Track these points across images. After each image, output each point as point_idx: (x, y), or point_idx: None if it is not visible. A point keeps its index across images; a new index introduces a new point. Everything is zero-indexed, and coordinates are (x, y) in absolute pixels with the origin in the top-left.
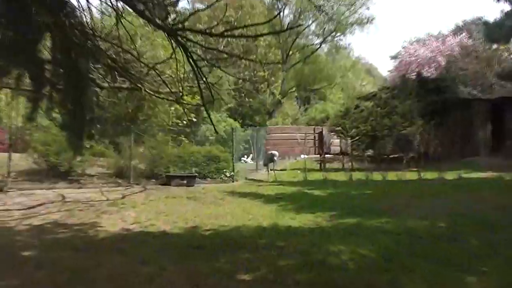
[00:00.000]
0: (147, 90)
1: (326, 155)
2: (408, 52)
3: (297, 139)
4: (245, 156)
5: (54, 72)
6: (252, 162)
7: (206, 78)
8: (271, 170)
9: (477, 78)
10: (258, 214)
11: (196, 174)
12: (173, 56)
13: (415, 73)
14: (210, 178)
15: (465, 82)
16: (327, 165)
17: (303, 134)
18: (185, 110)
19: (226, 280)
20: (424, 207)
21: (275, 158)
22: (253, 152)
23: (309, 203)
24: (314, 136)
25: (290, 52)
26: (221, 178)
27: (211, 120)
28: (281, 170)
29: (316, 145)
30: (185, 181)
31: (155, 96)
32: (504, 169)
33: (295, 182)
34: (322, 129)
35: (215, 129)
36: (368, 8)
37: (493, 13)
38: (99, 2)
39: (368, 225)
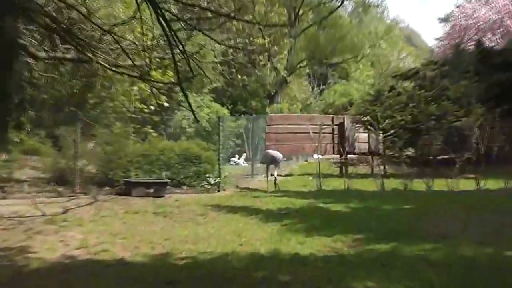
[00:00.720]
0: (100, 62)
1: (349, 156)
2: (464, 13)
3: (308, 132)
4: (237, 156)
5: None
6: (246, 164)
7: (183, 46)
8: (272, 175)
9: None
10: (254, 236)
11: (168, 180)
12: (137, 15)
13: (473, 42)
14: (187, 185)
15: None
16: (350, 169)
17: (317, 126)
18: (153, 90)
19: None
20: (486, 228)
21: (278, 161)
22: (247, 151)
23: (324, 221)
24: (333, 129)
25: (300, 12)
26: (202, 186)
27: (189, 105)
28: (286, 175)
29: (335, 142)
30: (151, 190)
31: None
32: None
33: (305, 192)
34: (343, 119)
35: (195, 117)
36: None
37: None
38: None
39: (407, 252)
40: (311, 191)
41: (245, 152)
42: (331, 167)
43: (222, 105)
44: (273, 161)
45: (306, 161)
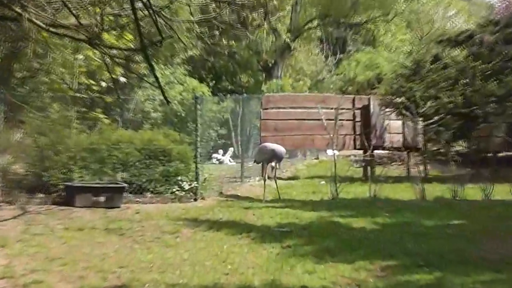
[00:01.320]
0: (32, 19)
1: (377, 152)
2: None
3: (320, 119)
4: (220, 152)
5: None
6: (233, 163)
7: None
8: (269, 178)
9: None
10: (244, 263)
11: (125, 184)
12: None
13: None
14: (152, 192)
15: None
16: (378, 170)
17: (332, 111)
18: (106, 60)
19: None
20: None
21: (280, 158)
22: (235, 144)
23: (342, 243)
24: (354, 115)
25: None
26: (173, 192)
27: (156, 81)
28: (289, 178)
29: (357, 132)
30: (102, 198)
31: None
32: None
33: (315, 202)
34: (368, 100)
35: (164, 97)
36: None
37: None
38: None
39: (457, 285)
40: (324, 201)
41: (232, 147)
42: (352, 168)
43: (201, 80)
44: (273, 157)
45: (317, 158)
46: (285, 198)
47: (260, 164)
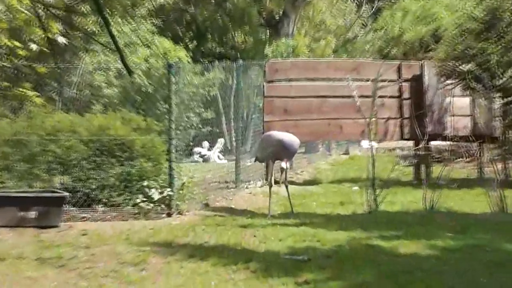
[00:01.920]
0: None
1: (434, 143)
2: None
3: (350, 96)
4: (205, 145)
5: None
6: (224, 161)
7: None
8: (277, 183)
9: None
10: None
11: (66, 193)
12: None
13: None
14: (106, 204)
15: None
16: (436, 170)
17: (368, 83)
18: (38, 12)
19: None
20: None
21: (292, 152)
22: (226, 134)
23: (384, 277)
24: (400, 89)
25: None
26: (136, 204)
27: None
28: (306, 183)
29: (405, 115)
30: (33, 214)
31: None
32: None
33: (344, 217)
34: (421, 68)
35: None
36: None
37: None
38: None
39: None
40: (357, 215)
41: (222, 137)
42: (398, 166)
43: (176, 41)
44: (282, 153)
45: (347, 154)
46: (301, 211)
47: (263, 163)
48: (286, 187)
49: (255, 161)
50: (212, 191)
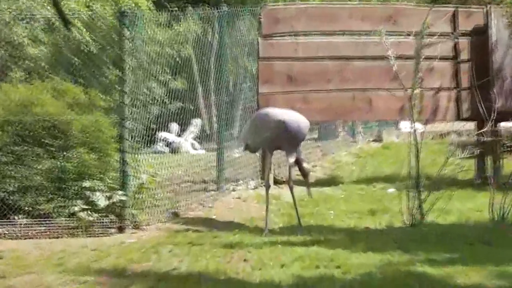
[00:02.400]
0: None
1: (504, 124)
2: None
3: (383, 57)
4: (174, 128)
5: None
6: (201, 151)
7: None
8: (277, 183)
9: None
10: None
11: None
12: None
13: None
14: (30, 214)
15: None
16: (507, 163)
17: (410, 39)
18: None
19: None
20: None
21: (299, 139)
22: (204, 112)
23: None
24: (455, 47)
25: None
26: (74, 214)
27: None
28: (317, 184)
29: (463, 85)
30: None
31: None
32: None
33: (375, 232)
34: (486, 16)
35: (59, 11)
36: None
37: None
38: None
39: None
40: (394, 229)
41: (198, 117)
42: (454, 159)
43: None
44: (284, 139)
45: (378, 140)
46: (312, 224)
47: (257, 154)
48: (291, 189)
49: (244, 149)
50: (184, 194)
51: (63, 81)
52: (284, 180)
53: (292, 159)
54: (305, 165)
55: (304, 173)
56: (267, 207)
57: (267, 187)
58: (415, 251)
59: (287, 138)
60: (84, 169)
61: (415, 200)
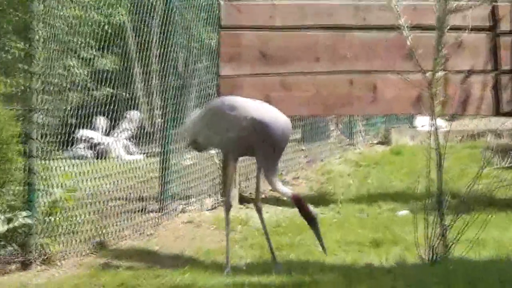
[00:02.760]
0: None
1: None
2: None
3: (393, 27)
4: (100, 124)
5: None
6: (138, 157)
7: None
8: (244, 201)
9: None
10: None
11: None
12: None
13: None
14: None
15: None
16: None
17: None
18: None
19: None
20: None
21: (267, 149)
22: (142, 101)
23: None
24: (493, 13)
25: None
26: None
27: None
28: (295, 204)
29: (503, 67)
30: None
31: None
32: None
33: (379, 271)
34: None
35: None
36: None
37: None
38: None
39: None
40: (407, 268)
41: (134, 109)
42: (490, 168)
43: None
44: (257, 143)
45: (385, 143)
46: (294, 259)
47: (216, 159)
48: (259, 211)
49: (188, 145)
50: (114, 217)
51: None
52: (253, 197)
53: (274, 179)
54: (310, 208)
55: (310, 218)
56: (227, 235)
57: (228, 207)
58: None
59: (263, 143)
60: None
61: (437, 226)
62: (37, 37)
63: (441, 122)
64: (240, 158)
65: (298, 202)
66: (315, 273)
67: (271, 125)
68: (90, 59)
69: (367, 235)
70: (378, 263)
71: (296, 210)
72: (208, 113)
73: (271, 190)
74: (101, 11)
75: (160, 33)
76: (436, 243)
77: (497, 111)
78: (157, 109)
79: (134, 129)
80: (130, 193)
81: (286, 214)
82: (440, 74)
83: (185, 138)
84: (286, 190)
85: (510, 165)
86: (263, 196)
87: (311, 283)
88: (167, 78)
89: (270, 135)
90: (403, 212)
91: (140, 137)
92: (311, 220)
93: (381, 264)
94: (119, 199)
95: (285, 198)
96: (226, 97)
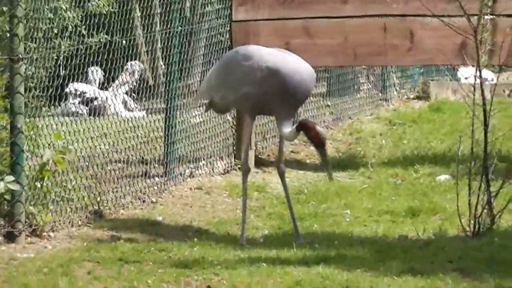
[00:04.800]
0: None
1: None
2: None
3: None
4: (95, 76)
5: None
6: (138, 114)
7: None
8: (261, 164)
9: None
10: None
11: None
12: None
13: None
14: None
15: None
16: None
17: None
18: None
19: None
20: None
21: (290, 104)
22: (143, 50)
23: None
24: None
25: None
26: None
27: None
28: (320, 167)
29: None
30: None
31: None
32: None
33: (416, 244)
34: None
35: None
36: None
37: None
38: None
39: None
40: (448, 240)
41: (134, 59)
42: None
43: None
44: (275, 97)
45: (424, 97)
46: (318, 230)
47: (228, 115)
48: (282, 175)
49: (207, 109)
50: (113, 182)
51: None
52: (272, 160)
53: (286, 129)
54: (318, 129)
55: (318, 141)
56: (243, 202)
57: (245, 171)
58: (482, 275)
59: (281, 97)
60: None
61: (482, 194)
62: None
63: (488, 74)
64: (258, 117)
65: (304, 125)
66: (342, 247)
67: (290, 73)
68: (82, 0)
69: (401, 204)
70: (414, 235)
71: (320, 175)
72: (222, 66)
73: (291, 151)
74: None
75: None
76: (481, 213)
77: None
78: (160, 59)
79: (135, 82)
80: (130, 155)
81: (309, 179)
82: (487, 18)
83: (202, 100)
84: (286, 130)
85: None
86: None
87: (337, 257)
88: (172, 24)
89: (288, 84)
90: (444, 177)
91: (141, 92)
92: (319, 144)
93: (418, 237)
94: (118, 162)
95: (295, 142)
96: (240, 47)
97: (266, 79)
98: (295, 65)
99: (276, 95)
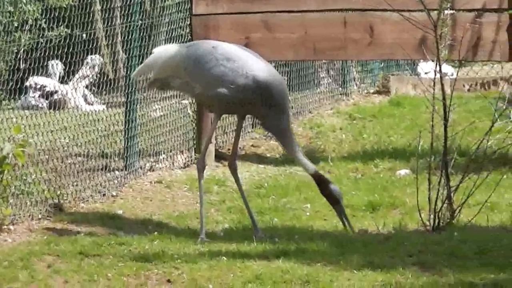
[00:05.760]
0: None
1: None
2: None
3: None
4: (55, 70)
5: None
6: (99, 107)
7: None
8: (221, 158)
9: None
10: None
11: None
12: None
13: None
14: None
15: None
16: None
17: None
18: None
19: None
20: None
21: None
22: (103, 44)
23: None
24: None
25: None
26: None
27: None
28: (286, 161)
29: None
30: None
31: None
32: None
33: (376, 239)
34: None
35: None
36: None
37: None
38: None
39: None
40: (407, 235)
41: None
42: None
43: None
44: (266, 102)
45: (384, 92)
46: (278, 225)
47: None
48: (234, 171)
49: (149, 86)
50: (73, 176)
51: None
52: (231, 154)
53: (303, 159)
54: (333, 186)
55: (333, 198)
56: (200, 197)
57: (201, 167)
58: (442, 270)
59: (265, 105)
60: None
61: (442, 188)
62: None
63: (448, 69)
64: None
65: (319, 178)
66: (302, 241)
67: (275, 86)
68: None
69: (362, 198)
70: (374, 230)
71: (281, 169)
72: (192, 57)
73: (252, 145)
74: None
75: None
76: (440, 207)
77: None
78: (120, 52)
79: (95, 76)
80: (90, 149)
81: (269, 173)
82: (447, 13)
83: (145, 74)
84: (310, 165)
85: None
86: (242, 152)
87: (298, 251)
88: (132, 17)
89: (276, 98)
90: (404, 172)
91: (101, 85)
92: (335, 202)
93: (378, 231)
94: (78, 155)
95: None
96: (212, 41)
97: (250, 87)
98: (277, 75)
99: (258, 103)
